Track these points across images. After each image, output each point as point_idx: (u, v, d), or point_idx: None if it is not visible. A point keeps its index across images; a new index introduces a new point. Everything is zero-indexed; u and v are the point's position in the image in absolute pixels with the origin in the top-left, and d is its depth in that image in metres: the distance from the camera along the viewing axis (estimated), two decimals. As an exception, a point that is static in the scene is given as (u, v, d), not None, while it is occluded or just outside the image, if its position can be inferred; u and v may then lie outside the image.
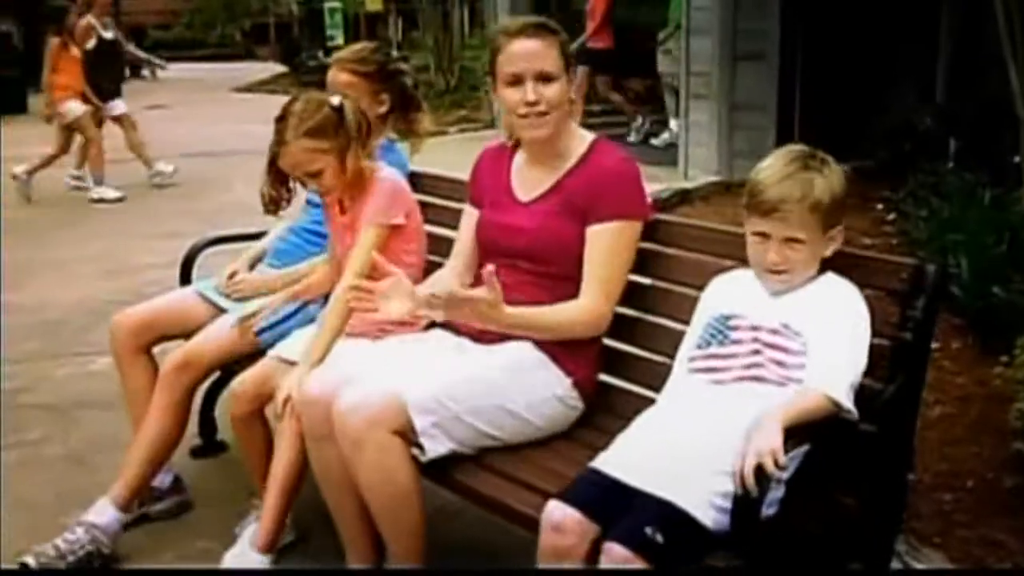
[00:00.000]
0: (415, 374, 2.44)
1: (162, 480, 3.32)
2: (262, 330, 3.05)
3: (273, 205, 2.95)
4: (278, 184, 2.90)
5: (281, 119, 2.81)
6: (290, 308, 3.09)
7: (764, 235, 2.24)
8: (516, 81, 2.55)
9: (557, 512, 2.08)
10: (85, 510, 3.25)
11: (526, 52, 2.54)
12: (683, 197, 7.66)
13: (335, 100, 2.84)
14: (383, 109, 3.23)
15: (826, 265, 2.27)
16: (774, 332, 2.18)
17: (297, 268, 3.18)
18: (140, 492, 3.09)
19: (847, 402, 2.01)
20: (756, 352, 2.18)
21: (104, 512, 2.98)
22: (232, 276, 3.21)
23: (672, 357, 2.52)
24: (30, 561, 2.87)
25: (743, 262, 2.47)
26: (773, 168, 2.24)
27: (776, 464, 1.88)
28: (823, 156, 2.26)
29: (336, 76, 3.20)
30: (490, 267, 2.35)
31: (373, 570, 2.69)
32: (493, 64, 2.60)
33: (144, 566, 3.04)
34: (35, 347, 5.08)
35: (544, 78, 2.54)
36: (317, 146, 2.78)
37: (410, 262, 2.89)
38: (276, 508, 2.75)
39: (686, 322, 2.56)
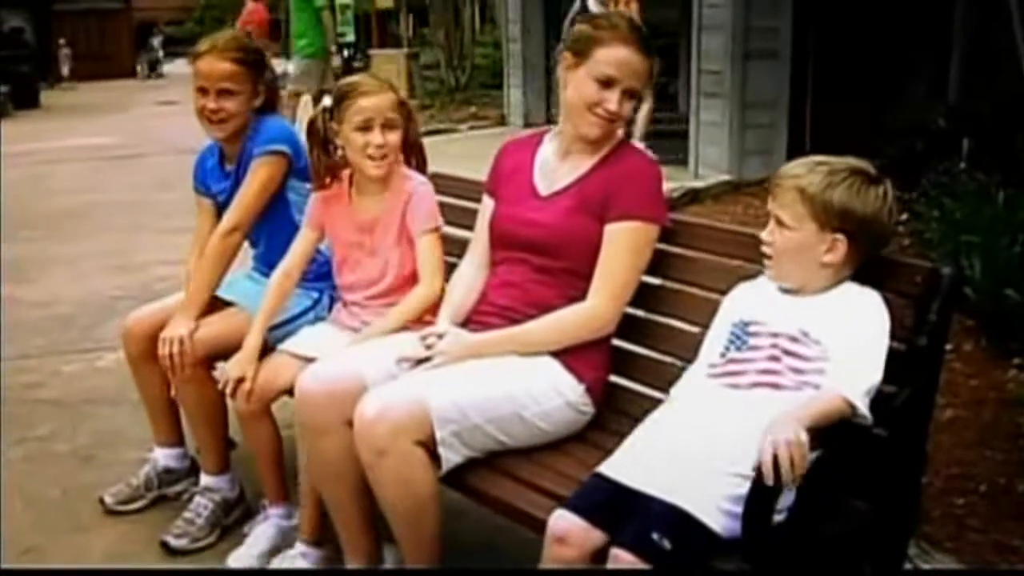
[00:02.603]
0: (437, 380, 2.42)
1: (180, 463, 3.37)
2: (272, 327, 3.04)
3: (328, 174, 2.89)
4: (324, 154, 2.87)
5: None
6: (300, 307, 3.08)
7: (770, 214, 2.28)
8: (607, 83, 2.52)
9: (561, 523, 2.06)
10: (93, 507, 3.27)
11: (631, 64, 2.52)
12: (693, 196, 7.63)
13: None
14: (258, 102, 3.17)
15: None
16: (793, 340, 2.16)
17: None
18: (219, 454, 3.18)
19: (863, 407, 1.99)
20: (774, 359, 2.15)
21: (210, 481, 3.17)
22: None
23: (683, 359, 2.51)
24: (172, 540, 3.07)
25: (755, 263, 2.45)
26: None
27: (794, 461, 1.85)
28: (860, 171, 2.21)
29: (213, 65, 3.08)
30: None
31: (373, 570, 2.68)
32: (587, 50, 2.54)
33: (151, 565, 3.03)
34: (44, 342, 5.08)
35: (631, 93, 2.55)
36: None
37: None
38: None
39: (697, 323, 2.54)
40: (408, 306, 2.80)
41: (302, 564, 2.82)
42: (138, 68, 34.06)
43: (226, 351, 3.08)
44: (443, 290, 2.80)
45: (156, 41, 35.32)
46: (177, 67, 35.96)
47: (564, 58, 2.61)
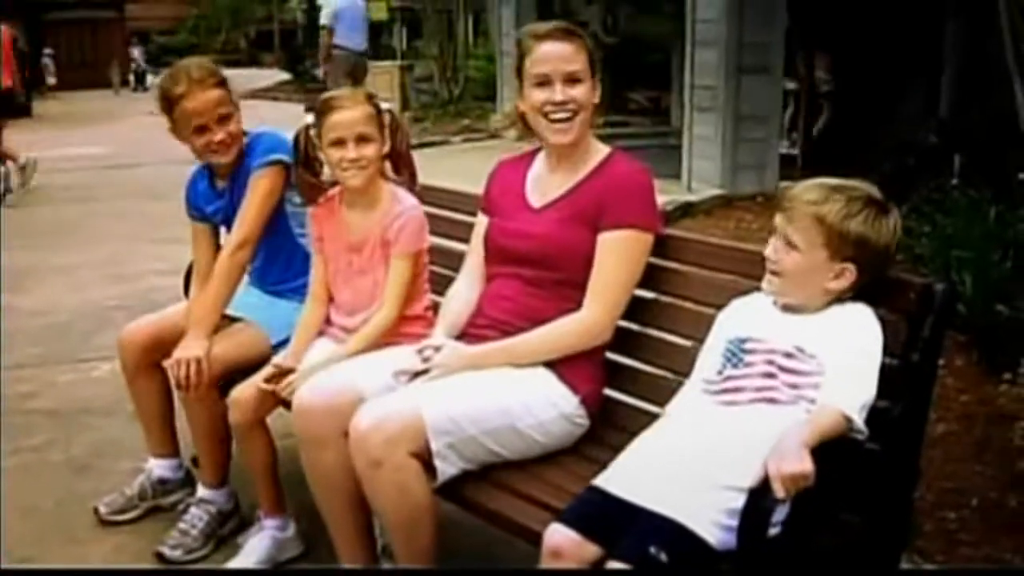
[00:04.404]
0: (432, 392, 2.44)
1: (175, 473, 3.37)
2: (279, 344, 3.04)
3: (313, 192, 2.91)
4: (306, 171, 2.89)
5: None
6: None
7: (774, 232, 2.26)
8: (544, 82, 2.56)
9: (556, 536, 2.06)
10: (88, 518, 3.27)
11: (556, 54, 2.56)
12: (686, 210, 7.66)
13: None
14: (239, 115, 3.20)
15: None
16: (788, 356, 2.17)
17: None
18: (220, 469, 3.18)
19: (859, 421, 2.01)
20: (770, 376, 2.16)
21: (207, 493, 3.17)
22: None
23: (677, 372, 2.52)
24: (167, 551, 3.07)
25: (748, 278, 2.47)
26: (815, 181, 2.26)
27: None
28: (874, 200, 2.21)
29: (204, 99, 3.04)
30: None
31: (373, 570, 2.69)
32: (520, 66, 2.61)
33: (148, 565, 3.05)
34: (39, 352, 5.08)
35: (572, 79, 2.56)
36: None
37: (425, 276, 2.95)
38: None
39: (690, 337, 2.56)
40: (368, 331, 2.79)
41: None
42: (114, 80, 31.52)
43: (238, 367, 3.05)
44: (401, 315, 2.82)
45: (137, 52, 33.41)
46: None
47: (517, 90, 2.66)
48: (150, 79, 32.37)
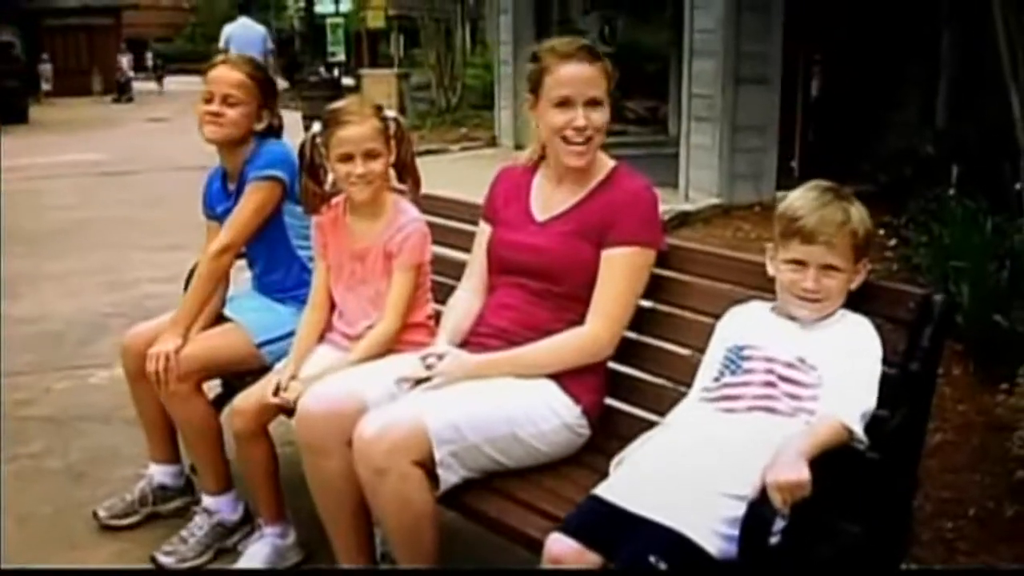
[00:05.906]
0: (436, 401, 2.44)
1: (175, 481, 3.38)
2: (265, 343, 3.08)
3: (317, 201, 2.92)
4: (311, 180, 2.90)
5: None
6: (297, 325, 3.09)
7: (800, 263, 2.24)
8: (565, 103, 2.55)
9: (557, 546, 2.07)
10: (86, 525, 3.26)
11: (579, 76, 2.54)
12: (683, 219, 7.68)
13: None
14: (260, 126, 3.20)
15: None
16: (789, 365, 2.18)
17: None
18: (217, 473, 3.16)
19: (860, 431, 2.02)
20: (770, 384, 2.18)
21: (209, 501, 3.17)
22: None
23: (678, 382, 2.53)
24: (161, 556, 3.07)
25: (748, 288, 2.48)
26: (808, 197, 2.26)
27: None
28: (847, 191, 2.29)
29: (223, 73, 3.14)
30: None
31: (373, 570, 2.70)
32: (538, 83, 2.59)
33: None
34: (35, 359, 5.07)
35: (593, 103, 2.56)
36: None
37: (427, 287, 2.96)
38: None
39: (690, 346, 2.57)
40: (369, 342, 2.80)
41: None
42: (95, 88, 31.08)
43: (218, 367, 3.09)
44: (402, 326, 2.83)
45: (126, 60, 32.38)
46: (169, 84, 35.62)
47: (528, 100, 2.65)
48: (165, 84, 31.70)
